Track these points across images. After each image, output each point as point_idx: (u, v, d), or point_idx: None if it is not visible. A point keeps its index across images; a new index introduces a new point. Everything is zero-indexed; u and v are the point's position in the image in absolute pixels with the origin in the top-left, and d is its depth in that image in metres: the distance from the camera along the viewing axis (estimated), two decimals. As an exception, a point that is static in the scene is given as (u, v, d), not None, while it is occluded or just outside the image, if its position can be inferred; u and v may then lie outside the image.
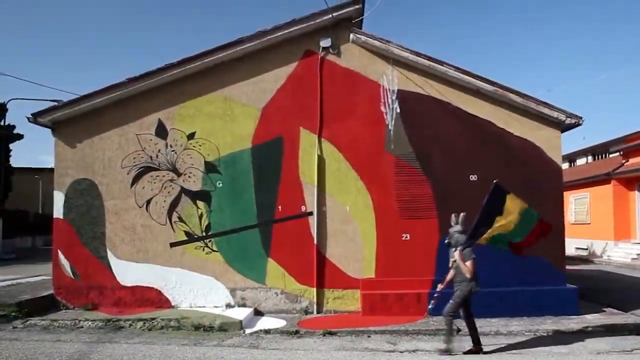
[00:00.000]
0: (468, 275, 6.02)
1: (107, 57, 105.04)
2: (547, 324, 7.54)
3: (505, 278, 8.31)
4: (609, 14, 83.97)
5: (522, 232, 6.39)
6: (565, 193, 10.79)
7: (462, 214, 6.50)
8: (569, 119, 8.59)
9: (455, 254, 6.14)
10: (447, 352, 6.07)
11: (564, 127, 8.76)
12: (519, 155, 8.63)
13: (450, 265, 6.34)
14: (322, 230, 8.60)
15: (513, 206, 6.35)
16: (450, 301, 6.12)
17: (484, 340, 6.80)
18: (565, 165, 27.94)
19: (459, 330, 7.16)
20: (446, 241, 6.43)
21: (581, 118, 8.64)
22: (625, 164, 20.63)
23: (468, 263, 6.02)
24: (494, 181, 6.38)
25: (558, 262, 8.52)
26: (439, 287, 6.43)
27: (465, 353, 6.17)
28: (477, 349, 6.20)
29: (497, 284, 8.25)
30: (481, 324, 7.57)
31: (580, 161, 28.12)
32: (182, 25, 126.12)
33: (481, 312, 7.99)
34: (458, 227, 6.34)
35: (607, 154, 24.72)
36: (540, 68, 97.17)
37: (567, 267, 9.03)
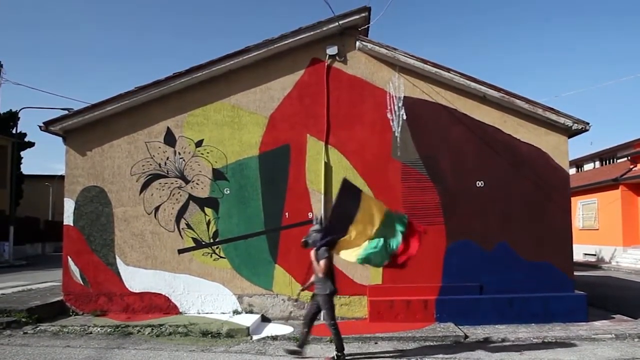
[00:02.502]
0: (320, 275, 6.06)
1: (118, 65, 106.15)
2: (556, 331, 7.51)
3: (513, 284, 8.31)
4: (614, 18, 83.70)
5: (395, 236, 6.29)
6: (572, 198, 10.76)
7: (321, 213, 6.50)
8: (576, 124, 8.59)
9: (311, 254, 6.18)
10: (341, 353, 6.05)
11: (571, 133, 8.76)
12: (526, 161, 8.63)
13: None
14: (329, 237, 8.60)
15: (373, 207, 6.32)
16: (323, 312, 6.14)
17: (492, 346, 6.80)
18: (572, 171, 27.82)
19: (466, 336, 7.16)
20: (303, 240, 6.45)
21: (588, 124, 8.63)
22: (633, 169, 20.50)
23: (321, 262, 6.03)
24: (343, 178, 6.47)
25: (566, 269, 8.48)
26: (300, 287, 6.49)
27: (289, 352, 6.23)
28: (299, 350, 6.22)
29: (505, 291, 8.26)
30: (489, 330, 7.58)
31: (588, 166, 27.98)
32: (185, 31, 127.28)
33: (489, 319, 8.03)
34: (317, 227, 6.34)
35: (615, 159, 24.61)
36: (548, 73, 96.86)
37: (576, 273, 8.99)
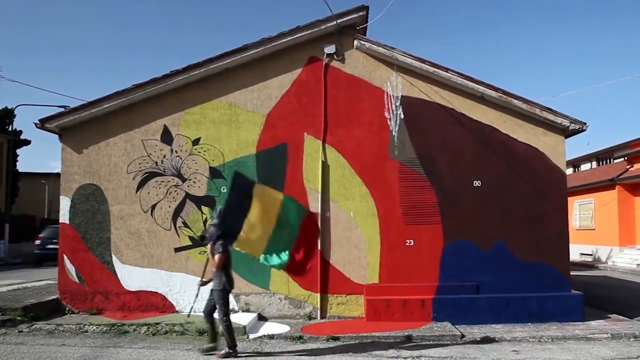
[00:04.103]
0: (214, 269, 6.11)
1: (116, 62, 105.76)
2: (552, 330, 7.52)
3: (510, 284, 8.32)
4: (613, 17, 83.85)
5: (292, 224, 6.32)
6: (569, 198, 10.79)
7: (219, 208, 6.54)
8: (573, 124, 8.60)
9: (208, 247, 6.22)
10: (231, 353, 6.10)
11: (568, 133, 8.77)
12: (523, 161, 8.65)
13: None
14: (326, 236, 8.61)
15: (268, 198, 6.33)
16: (217, 308, 6.17)
17: (488, 346, 6.80)
18: (569, 171, 27.86)
19: (463, 336, 7.16)
20: (199, 235, 6.46)
21: (585, 124, 8.65)
22: (630, 169, 20.58)
23: (216, 257, 6.08)
24: (234, 171, 6.57)
25: (563, 268, 8.51)
26: (199, 281, 6.52)
27: (204, 351, 6.24)
28: (212, 347, 6.26)
29: (501, 290, 8.28)
30: (485, 330, 7.59)
31: (585, 166, 28.07)
32: (182, 30, 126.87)
33: (486, 318, 8.04)
34: (215, 221, 6.38)
35: (612, 160, 24.68)
36: (545, 73, 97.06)
37: (572, 273, 9.01)
